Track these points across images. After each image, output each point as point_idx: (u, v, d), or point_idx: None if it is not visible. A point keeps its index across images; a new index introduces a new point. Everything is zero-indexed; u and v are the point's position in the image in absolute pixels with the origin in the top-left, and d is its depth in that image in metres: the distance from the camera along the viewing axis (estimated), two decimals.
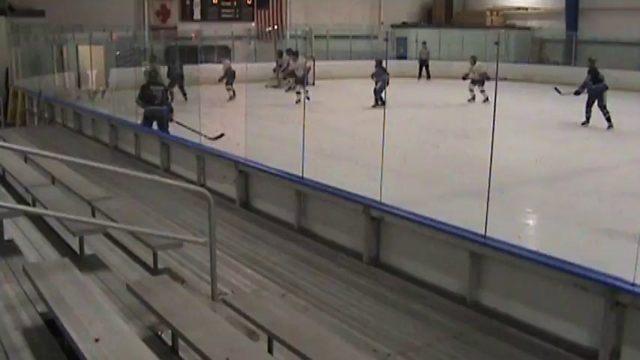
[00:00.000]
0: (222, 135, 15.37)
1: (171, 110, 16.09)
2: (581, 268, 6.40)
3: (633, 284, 5.87)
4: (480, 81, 25.88)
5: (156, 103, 15.55)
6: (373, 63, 25.45)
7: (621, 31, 32.25)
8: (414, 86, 27.77)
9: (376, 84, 24.30)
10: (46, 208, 8.36)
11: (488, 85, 24.84)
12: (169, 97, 16.78)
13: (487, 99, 25.21)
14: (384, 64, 24.68)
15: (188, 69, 26.18)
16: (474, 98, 26.48)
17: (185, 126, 15.04)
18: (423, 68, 36.70)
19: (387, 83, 21.55)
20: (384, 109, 9.12)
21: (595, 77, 21.20)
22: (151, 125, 15.67)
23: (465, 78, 26.86)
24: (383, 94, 22.99)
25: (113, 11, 31.81)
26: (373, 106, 23.56)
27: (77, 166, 9.87)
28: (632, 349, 5.98)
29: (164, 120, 15.62)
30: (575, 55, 36.59)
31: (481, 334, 6.83)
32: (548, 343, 6.54)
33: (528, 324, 6.81)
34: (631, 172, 13.99)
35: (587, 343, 6.30)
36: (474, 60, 26.54)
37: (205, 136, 14.54)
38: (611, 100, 23.60)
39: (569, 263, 6.53)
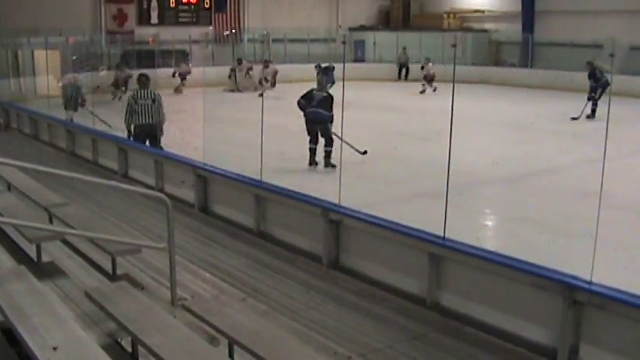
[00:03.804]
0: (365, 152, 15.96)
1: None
2: (539, 268, 6.45)
3: (590, 283, 5.93)
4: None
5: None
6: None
7: (576, 33, 32.70)
8: (372, 89, 27.95)
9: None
10: (1, 215, 8.25)
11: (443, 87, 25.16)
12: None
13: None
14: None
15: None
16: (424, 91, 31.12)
17: (340, 138, 14.60)
18: (403, 70, 38.15)
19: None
20: (342, 112, 9.16)
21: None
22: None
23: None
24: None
25: (69, 15, 31.56)
26: None
27: (33, 172, 9.74)
28: (590, 345, 6.04)
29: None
30: (532, 57, 37.02)
31: (441, 334, 6.85)
32: (508, 343, 6.58)
33: (488, 324, 6.84)
34: (587, 172, 14.14)
35: (547, 342, 6.35)
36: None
37: (358, 151, 15.65)
38: (566, 102, 23.89)
39: (528, 263, 6.58)
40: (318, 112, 15.15)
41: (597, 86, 23.09)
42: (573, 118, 22.77)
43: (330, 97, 15.32)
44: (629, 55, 30.02)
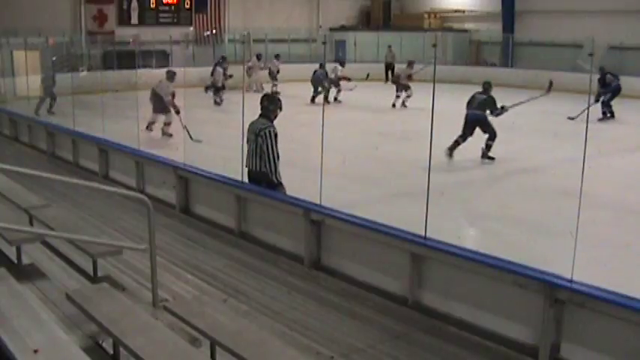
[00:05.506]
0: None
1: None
2: (520, 267, 6.48)
3: (571, 281, 5.97)
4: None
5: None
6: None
7: (555, 33, 32.85)
8: (353, 90, 28.03)
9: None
10: None
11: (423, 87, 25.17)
12: None
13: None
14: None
15: (126, 74, 25.85)
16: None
17: None
18: (389, 71, 36.64)
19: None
20: (323, 112, 9.16)
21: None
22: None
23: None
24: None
25: (49, 16, 31.36)
26: None
27: (14, 173, 9.69)
28: (571, 343, 6.08)
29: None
30: (512, 57, 37.15)
31: (423, 334, 6.87)
32: (490, 342, 6.60)
33: (470, 323, 6.86)
34: (568, 171, 14.17)
35: (528, 340, 6.38)
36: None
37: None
38: (547, 101, 23.97)
39: (509, 262, 6.61)
40: (474, 114, 16.64)
41: (607, 90, 23.70)
42: (601, 119, 23.34)
43: (492, 99, 17.00)
44: (608, 55, 30.16)
